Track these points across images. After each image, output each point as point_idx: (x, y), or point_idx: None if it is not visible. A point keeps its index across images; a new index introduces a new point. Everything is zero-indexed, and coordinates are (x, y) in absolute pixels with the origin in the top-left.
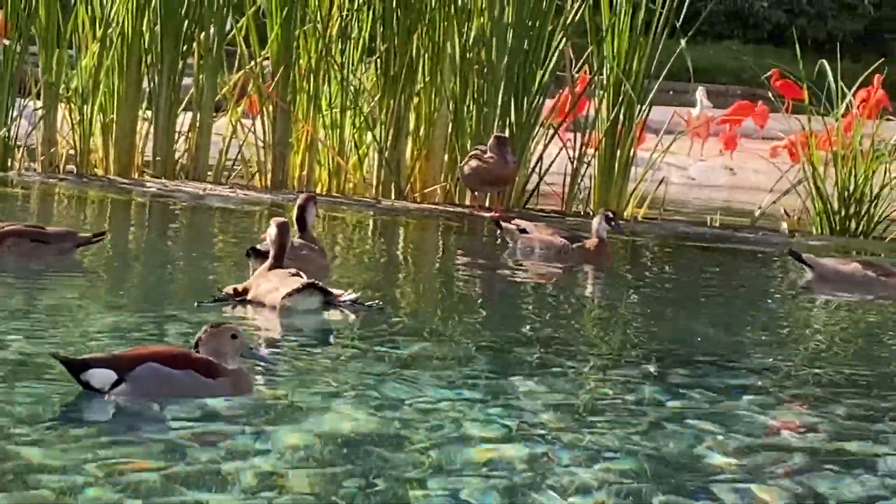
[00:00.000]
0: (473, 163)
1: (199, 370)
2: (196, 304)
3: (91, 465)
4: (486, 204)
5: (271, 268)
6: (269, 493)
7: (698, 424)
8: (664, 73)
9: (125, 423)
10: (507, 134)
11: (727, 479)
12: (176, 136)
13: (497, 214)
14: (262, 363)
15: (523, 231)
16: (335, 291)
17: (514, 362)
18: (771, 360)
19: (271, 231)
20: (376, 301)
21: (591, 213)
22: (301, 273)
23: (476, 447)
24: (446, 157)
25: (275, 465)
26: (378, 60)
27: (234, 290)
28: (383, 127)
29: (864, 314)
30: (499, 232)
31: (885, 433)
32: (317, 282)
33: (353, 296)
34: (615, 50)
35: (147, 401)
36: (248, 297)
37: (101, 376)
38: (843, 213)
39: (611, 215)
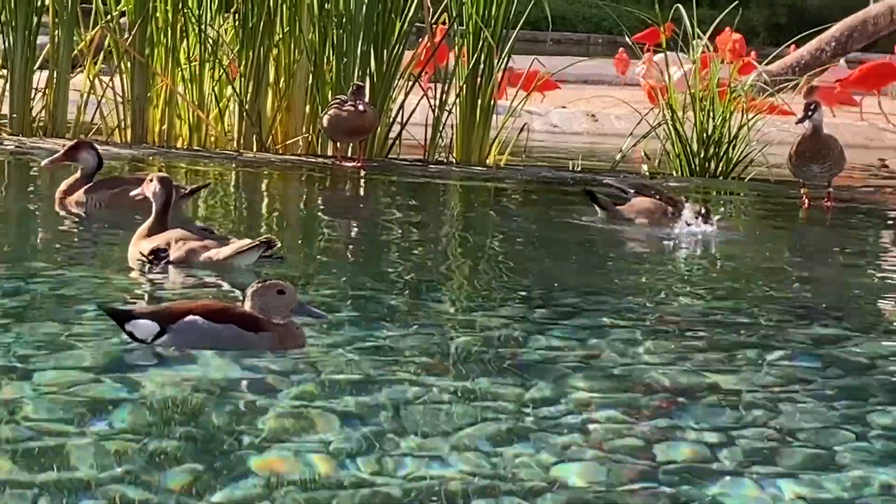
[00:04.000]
0: (332, 112)
1: (241, 324)
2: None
3: None
4: (349, 154)
5: (155, 223)
6: None
7: (566, 363)
8: (522, 22)
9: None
10: (366, 84)
11: (596, 417)
12: (33, 94)
13: (360, 164)
14: (315, 319)
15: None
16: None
17: (380, 308)
18: (634, 298)
19: (153, 186)
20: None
21: (453, 160)
22: (195, 230)
23: (340, 395)
24: (307, 108)
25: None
26: (236, 13)
27: (153, 251)
28: (243, 79)
29: (721, 252)
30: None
31: (745, 367)
32: (270, 237)
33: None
34: None
35: (187, 351)
36: (172, 258)
37: (144, 327)
38: (702, 154)
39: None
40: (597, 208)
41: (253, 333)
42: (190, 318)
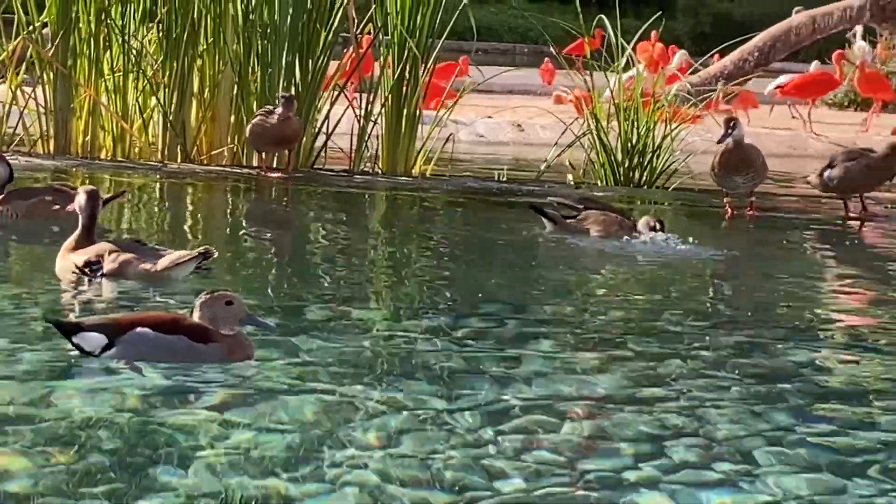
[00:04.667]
0: (257, 121)
1: (190, 335)
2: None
3: None
4: (275, 164)
5: (82, 236)
6: None
7: (490, 373)
8: (448, 32)
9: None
10: (292, 94)
11: (520, 426)
12: None
13: (284, 175)
14: (264, 330)
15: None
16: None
17: (306, 318)
18: (560, 308)
19: (80, 199)
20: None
21: (378, 170)
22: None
23: (265, 405)
24: (232, 118)
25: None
26: (159, 23)
27: (86, 264)
28: (167, 90)
29: (648, 264)
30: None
31: (669, 375)
32: (208, 248)
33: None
34: (398, 8)
35: (135, 364)
36: (105, 270)
37: (92, 339)
38: (626, 164)
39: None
40: (545, 222)
41: (203, 345)
42: (139, 329)
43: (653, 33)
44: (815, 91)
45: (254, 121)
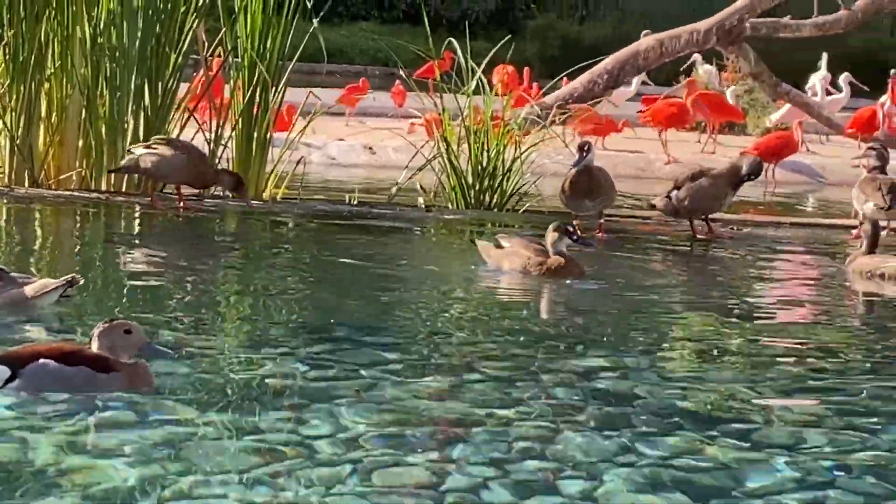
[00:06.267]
0: (178, 155)
1: (92, 365)
2: None
3: None
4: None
5: None
6: None
7: (341, 397)
8: (298, 55)
9: None
10: (140, 118)
11: (370, 451)
12: None
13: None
14: (163, 358)
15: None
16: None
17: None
18: (413, 332)
19: None
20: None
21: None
22: None
23: (115, 434)
24: (80, 142)
25: None
26: (6, 46)
27: None
28: (14, 114)
29: (500, 287)
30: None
31: (518, 399)
32: (74, 276)
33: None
34: (248, 31)
35: (40, 396)
36: None
37: None
38: (477, 187)
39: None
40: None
41: (104, 375)
42: (41, 361)
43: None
44: (672, 121)
45: (169, 154)
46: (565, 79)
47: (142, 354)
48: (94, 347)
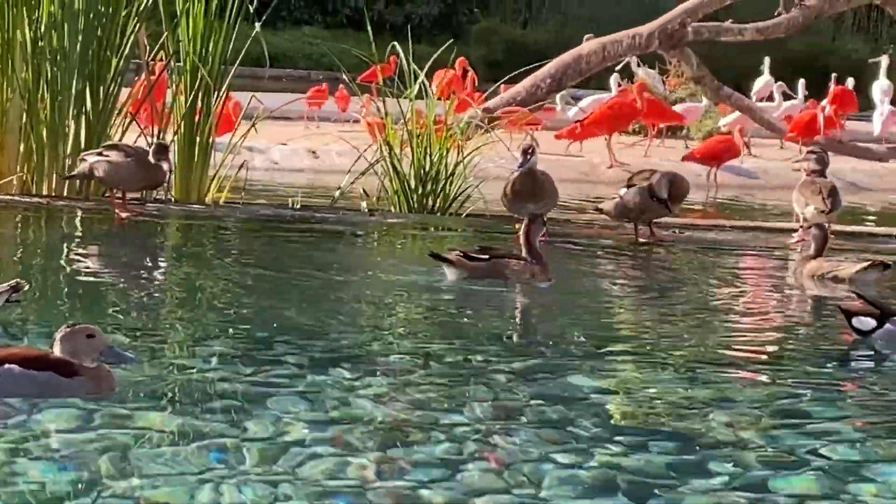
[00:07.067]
0: (129, 163)
1: (57, 370)
2: None
3: None
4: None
5: None
6: None
7: (283, 400)
8: (242, 59)
9: None
10: (81, 122)
11: (315, 453)
12: None
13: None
14: (125, 362)
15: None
16: None
17: None
18: (356, 336)
19: None
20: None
21: (171, 198)
22: None
23: (54, 439)
24: (21, 147)
25: None
26: None
27: None
28: None
29: (444, 291)
30: None
31: (463, 401)
32: (19, 280)
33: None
34: (190, 35)
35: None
36: None
37: None
38: (420, 191)
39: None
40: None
41: (69, 380)
42: (6, 366)
43: (460, 61)
44: (616, 125)
45: (123, 160)
46: (503, 86)
47: (103, 358)
48: (57, 352)
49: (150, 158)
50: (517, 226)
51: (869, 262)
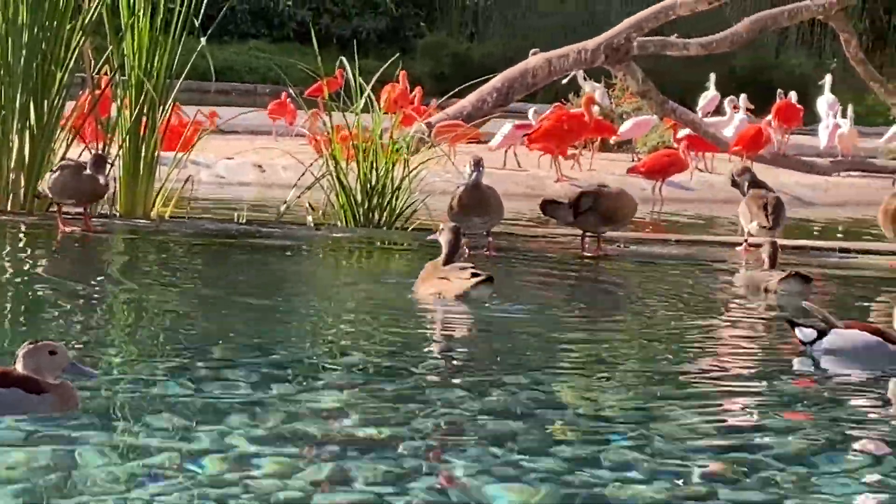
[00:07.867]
0: (64, 176)
1: (23, 387)
2: None
3: None
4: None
5: None
6: None
7: (229, 413)
8: (188, 73)
9: None
10: (25, 137)
11: (263, 469)
12: None
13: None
14: (86, 378)
15: None
16: None
17: None
18: (302, 350)
19: None
20: None
21: (116, 213)
22: None
23: (8, 452)
24: None
25: None
26: None
27: None
28: None
29: (391, 305)
30: None
31: (411, 416)
32: None
33: None
34: (135, 49)
35: None
36: None
37: None
38: (366, 205)
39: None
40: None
41: (36, 396)
42: None
43: (402, 74)
44: (567, 138)
45: (59, 174)
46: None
47: (65, 375)
48: (20, 368)
49: (88, 170)
50: (464, 241)
51: (787, 273)
